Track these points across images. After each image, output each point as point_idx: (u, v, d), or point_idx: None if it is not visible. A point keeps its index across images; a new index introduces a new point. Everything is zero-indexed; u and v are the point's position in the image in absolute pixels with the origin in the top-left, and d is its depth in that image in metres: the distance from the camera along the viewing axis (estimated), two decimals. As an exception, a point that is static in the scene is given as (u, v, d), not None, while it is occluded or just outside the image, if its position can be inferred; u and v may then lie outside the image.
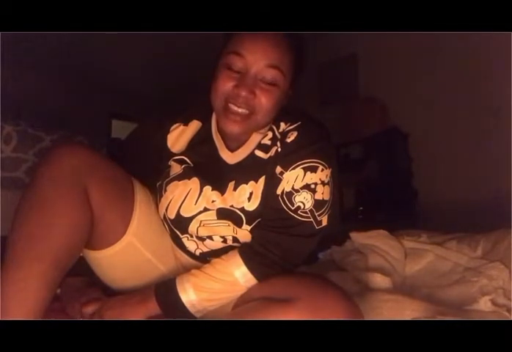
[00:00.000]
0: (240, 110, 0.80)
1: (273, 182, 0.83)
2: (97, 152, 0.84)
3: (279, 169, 0.82)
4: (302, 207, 0.79)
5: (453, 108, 2.36)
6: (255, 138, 0.87)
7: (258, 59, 0.79)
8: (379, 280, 1.13)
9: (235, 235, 0.84)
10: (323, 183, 0.81)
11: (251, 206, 0.83)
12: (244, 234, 0.84)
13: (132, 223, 0.84)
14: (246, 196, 0.84)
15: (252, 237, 0.84)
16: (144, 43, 2.78)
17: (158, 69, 3.12)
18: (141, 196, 0.87)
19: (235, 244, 0.85)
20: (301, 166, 0.80)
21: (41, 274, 0.69)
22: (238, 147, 0.88)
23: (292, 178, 0.80)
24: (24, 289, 0.67)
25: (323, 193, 0.81)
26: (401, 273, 1.23)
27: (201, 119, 0.93)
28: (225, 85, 0.80)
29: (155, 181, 0.92)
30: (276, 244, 0.80)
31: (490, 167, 2.15)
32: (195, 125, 0.93)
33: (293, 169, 0.80)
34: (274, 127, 0.87)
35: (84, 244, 0.79)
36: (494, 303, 0.99)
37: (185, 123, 0.93)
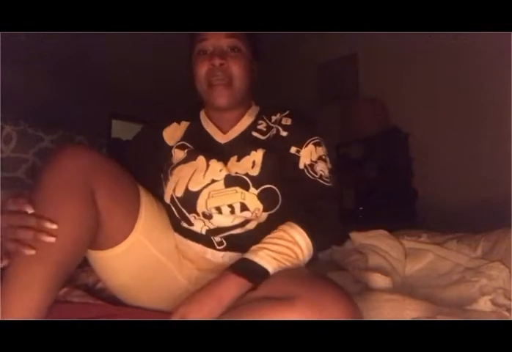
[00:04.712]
0: (221, 80, 0.92)
1: (293, 161, 0.94)
2: (101, 153, 0.84)
3: (293, 149, 0.95)
4: (323, 174, 0.92)
5: (453, 108, 2.37)
6: (246, 121, 1.00)
7: (219, 35, 0.93)
8: (379, 280, 1.13)
9: (243, 201, 0.88)
10: (327, 155, 0.96)
11: (254, 172, 0.91)
12: (251, 198, 0.88)
13: (139, 221, 0.85)
14: (250, 164, 0.92)
15: (292, 214, 0.87)
16: (144, 43, 2.79)
17: (158, 69, 3.13)
18: (145, 194, 0.89)
19: (243, 214, 0.88)
20: (312, 142, 0.95)
21: (44, 275, 0.68)
22: (231, 129, 0.99)
23: (308, 153, 0.94)
24: (27, 289, 0.67)
25: (329, 162, 0.96)
26: (401, 273, 1.23)
27: (189, 120, 1.03)
28: (203, 67, 0.92)
29: (158, 180, 0.97)
30: (316, 210, 0.87)
31: (490, 167, 2.15)
32: (186, 124, 1.03)
33: (306, 146, 0.95)
34: (265, 118, 1.01)
35: (88, 245, 0.79)
36: (493, 303, 0.99)
37: (178, 122, 1.03)
